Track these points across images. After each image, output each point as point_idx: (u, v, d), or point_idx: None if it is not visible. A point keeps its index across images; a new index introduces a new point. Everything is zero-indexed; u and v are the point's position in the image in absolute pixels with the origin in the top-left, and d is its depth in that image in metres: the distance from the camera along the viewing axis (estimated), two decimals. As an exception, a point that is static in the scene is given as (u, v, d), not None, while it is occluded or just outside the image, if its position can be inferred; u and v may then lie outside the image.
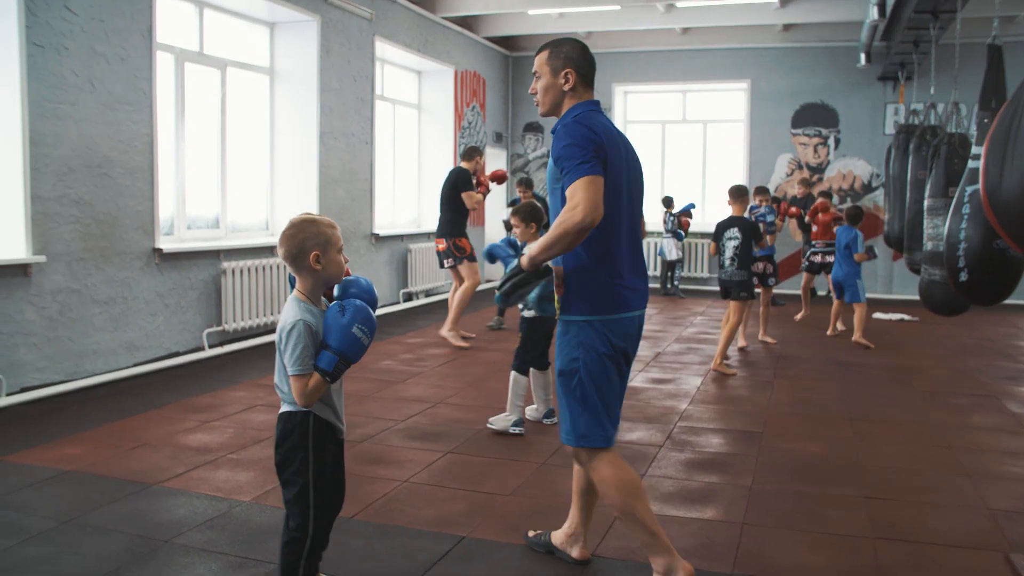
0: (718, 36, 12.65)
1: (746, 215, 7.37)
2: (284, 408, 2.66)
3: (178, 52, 7.25)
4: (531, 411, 5.41)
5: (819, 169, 12.61)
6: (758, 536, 3.61)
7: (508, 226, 10.75)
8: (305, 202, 8.63)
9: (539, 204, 5.49)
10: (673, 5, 11.39)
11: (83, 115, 5.96)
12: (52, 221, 5.77)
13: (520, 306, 5.21)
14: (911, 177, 8.42)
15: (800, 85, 12.51)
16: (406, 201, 11.45)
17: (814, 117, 12.56)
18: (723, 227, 7.25)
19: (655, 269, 12.78)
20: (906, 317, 10.28)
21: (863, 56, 11.65)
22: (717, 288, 12.82)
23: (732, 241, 7.14)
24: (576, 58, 3.00)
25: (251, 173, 8.44)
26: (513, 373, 5.12)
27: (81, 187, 5.98)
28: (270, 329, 7.97)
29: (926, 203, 7.07)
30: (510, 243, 5.76)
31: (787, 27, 12.20)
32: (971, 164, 5.78)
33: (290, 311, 2.58)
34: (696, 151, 13.49)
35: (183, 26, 7.39)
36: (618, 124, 13.48)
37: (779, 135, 12.71)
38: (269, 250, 7.94)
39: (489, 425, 5.11)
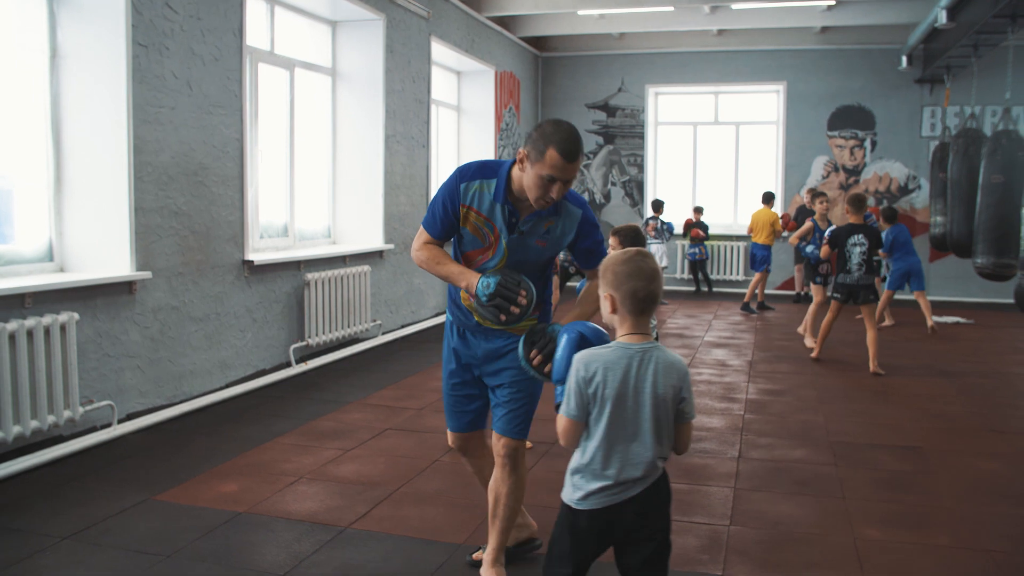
0: (754, 38, 12.47)
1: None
2: (659, 472, 2.30)
3: (252, 52, 6.85)
4: None
5: (855, 171, 12.50)
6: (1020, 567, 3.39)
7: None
8: (369, 209, 8.26)
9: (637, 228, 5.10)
10: (724, 7, 11.18)
11: (182, 120, 5.56)
12: (154, 234, 5.36)
13: None
14: (983, 181, 8.30)
15: (837, 87, 12.38)
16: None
17: (851, 119, 12.44)
18: (846, 233, 7.32)
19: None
20: (961, 320, 10.19)
21: (905, 59, 11.55)
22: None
23: (858, 247, 7.24)
24: None
25: (315, 179, 8.05)
26: None
27: (179, 197, 5.58)
28: (349, 342, 7.61)
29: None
30: None
31: (824, 29, 12.06)
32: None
33: (671, 356, 2.29)
34: (728, 153, 13.31)
35: (255, 24, 6.99)
36: (649, 126, 13.30)
37: (815, 137, 12.58)
38: (342, 260, 7.57)
39: None
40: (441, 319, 9.49)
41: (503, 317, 2.75)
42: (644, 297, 2.25)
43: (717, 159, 13.38)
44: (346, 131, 8.23)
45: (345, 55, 8.18)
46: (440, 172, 10.63)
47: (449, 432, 3.28)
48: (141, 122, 5.20)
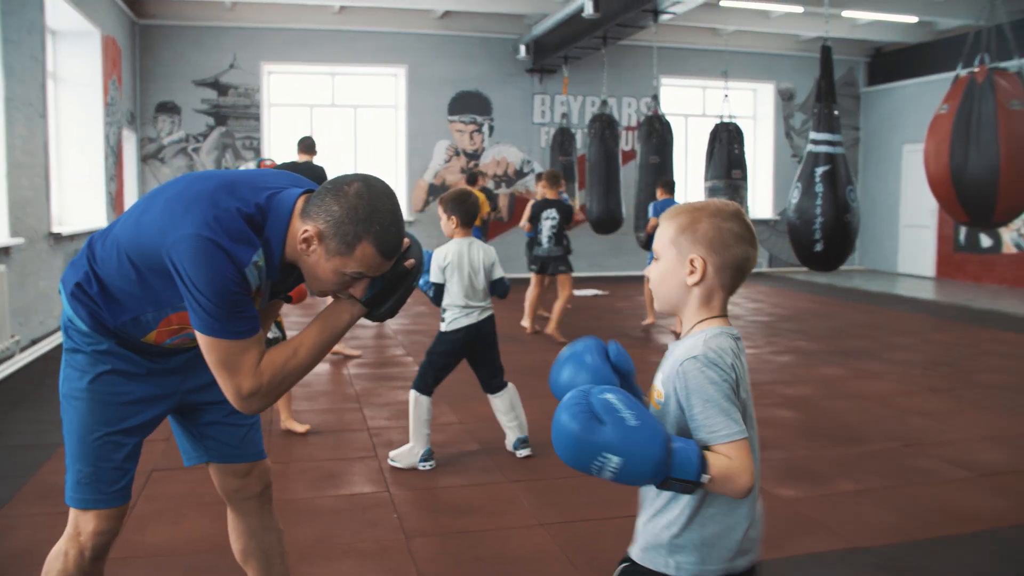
0: (375, 18, 12.15)
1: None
2: None
3: None
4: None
5: (475, 155, 12.89)
6: None
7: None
8: (-15, 195, 6.39)
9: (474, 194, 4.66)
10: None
11: None
12: None
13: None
14: (641, 161, 9.08)
15: (457, 73, 12.63)
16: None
17: (470, 105, 12.79)
18: (541, 208, 7.57)
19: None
20: (599, 292, 11.03)
21: (523, 48, 12.16)
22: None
23: (549, 221, 7.52)
24: None
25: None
26: (414, 393, 4.16)
27: None
28: (-14, 369, 5.80)
29: (708, 184, 7.73)
30: None
31: (446, 14, 12.18)
32: (813, 148, 6.44)
33: None
34: (347, 137, 12.86)
35: None
36: (263, 109, 12.34)
37: (436, 122, 12.71)
38: (-29, 260, 5.74)
39: (391, 462, 4.16)
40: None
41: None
42: (749, 270, 1.62)
43: (335, 143, 12.84)
44: (-53, 91, 6.24)
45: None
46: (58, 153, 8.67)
47: (103, 513, 2.00)
48: None
